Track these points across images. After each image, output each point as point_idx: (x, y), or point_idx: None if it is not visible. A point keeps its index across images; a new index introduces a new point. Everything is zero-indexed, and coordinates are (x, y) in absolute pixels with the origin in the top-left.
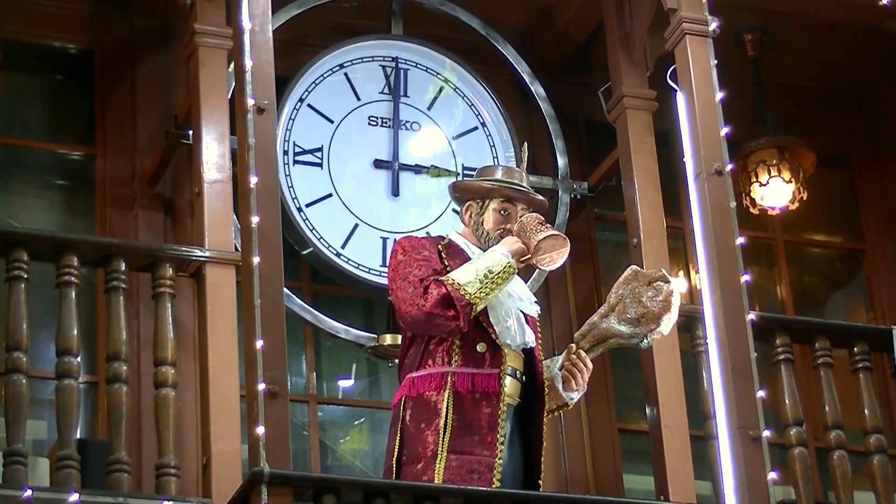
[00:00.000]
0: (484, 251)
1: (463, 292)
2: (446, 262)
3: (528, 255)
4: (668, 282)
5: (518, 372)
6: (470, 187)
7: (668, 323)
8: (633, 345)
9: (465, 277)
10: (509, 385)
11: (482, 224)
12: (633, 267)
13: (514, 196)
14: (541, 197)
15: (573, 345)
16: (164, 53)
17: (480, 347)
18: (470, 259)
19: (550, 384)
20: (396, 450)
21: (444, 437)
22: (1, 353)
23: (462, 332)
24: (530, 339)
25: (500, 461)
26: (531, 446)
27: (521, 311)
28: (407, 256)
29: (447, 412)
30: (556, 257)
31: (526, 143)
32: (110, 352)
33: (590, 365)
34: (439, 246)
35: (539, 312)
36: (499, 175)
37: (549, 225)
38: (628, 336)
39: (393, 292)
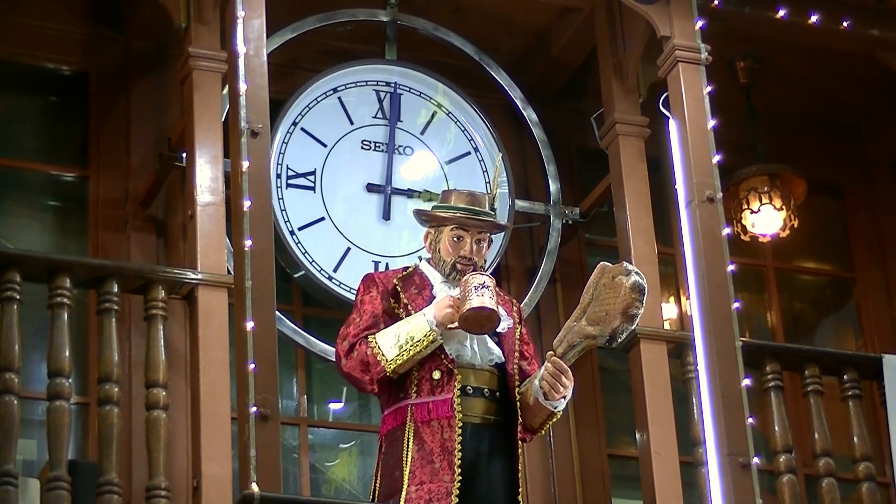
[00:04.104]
0: (444, 276)
1: (380, 358)
2: (401, 295)
3: (455, 324)
4: (627, 274)
5: (487, 390)
6: (427, 215)
7: (633, 317)
8: (601, 345)
9: (387, 342)
10: (475, 405)
11: (439, 252)
12: (602, 263)
13: (467, 222)
14: (499, 221)
15: (550, 352)
16: (159, 76)
17: (436, 374)
18: (432, 285)
19: (533, 398)
20: (373, 490)
21: (405, 470)
22: None
23: (419, 363)
24: (496, 354)
25: (458, 486)
26: (514, 463)
27: None
28: (361, 295)
29: (408, 444)
30: (485, 325)
31: (502, 154)
32: (102, 373)
33: (565, 368)
34: (395, 280)
35: (508, 327)
36: (453, 200)
37: (486, 289)
38: (596, 336)
39: None
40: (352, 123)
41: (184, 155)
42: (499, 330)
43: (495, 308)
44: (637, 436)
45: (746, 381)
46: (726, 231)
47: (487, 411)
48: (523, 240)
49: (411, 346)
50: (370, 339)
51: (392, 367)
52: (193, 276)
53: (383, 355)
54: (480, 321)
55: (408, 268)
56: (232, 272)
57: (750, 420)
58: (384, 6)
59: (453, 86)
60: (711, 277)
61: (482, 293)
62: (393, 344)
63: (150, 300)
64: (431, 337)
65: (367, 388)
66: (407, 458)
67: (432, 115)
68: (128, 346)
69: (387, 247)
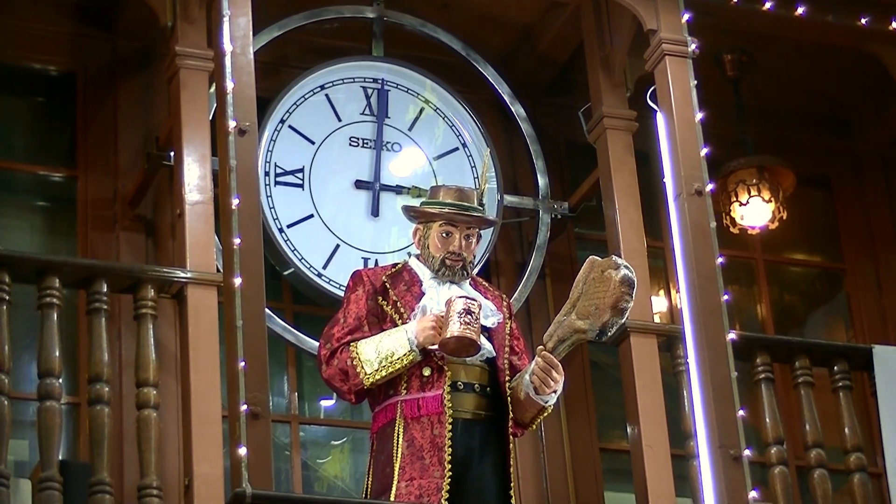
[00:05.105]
0: (433, 272)
1: (360, 370)
2: (390, 292)
3: (435, 346)
4: (617, 268)
5: (477, 385)
6: (416, 211)
7: (623, 311)
8: (591, 339)
9: (368, 354)
10: (465, 400)
11: (427, 247)
12: (591, 257)
13: (456, 218)
14: (488, 216)
15: (540, 346)
16: (146, 76)
17: (426, 371)
18: (421, 282)
19: (524, 392)
20: (366, 487)
21: (395, 467)
22: None
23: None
24: (487, 349)
25: (448, 481)
26: (505, 458)
27: None
28: (348, 294)
29: (398, 441)
30: (465, 352)
31: (490, 150)
32: (92, 373)
33: (556, 363)
34: (384, 276)
35: (497, 323)
36: (441, 195)
37: (470, 316)
38: (586, 331)
39: None
40: (339, 120)
41: (172, 154)
42: (489, 325)
43: (476, 339)
44: (628, 429)
45: (736, 374)
46: (715, 224)
47: (478, 407)
48: (512, 235)
49: (390, 363)
50: (352, 348)
51: (370, 381)
52: (183, 274)
53: (363, 368)
54: (460, 348)
55: (397, 264)
56: (221, 270)
57: (741, 412)
58: (371, 3)
59: (441, 82)
60: (701, 270)
61: (466, 320)
62: (373, 358)
63: (140, 299)
64: (411, 357)
65: (345, 397)
66: (397, 454)
67: (420, 112)
68: (118, 346)
69: (376, 243)
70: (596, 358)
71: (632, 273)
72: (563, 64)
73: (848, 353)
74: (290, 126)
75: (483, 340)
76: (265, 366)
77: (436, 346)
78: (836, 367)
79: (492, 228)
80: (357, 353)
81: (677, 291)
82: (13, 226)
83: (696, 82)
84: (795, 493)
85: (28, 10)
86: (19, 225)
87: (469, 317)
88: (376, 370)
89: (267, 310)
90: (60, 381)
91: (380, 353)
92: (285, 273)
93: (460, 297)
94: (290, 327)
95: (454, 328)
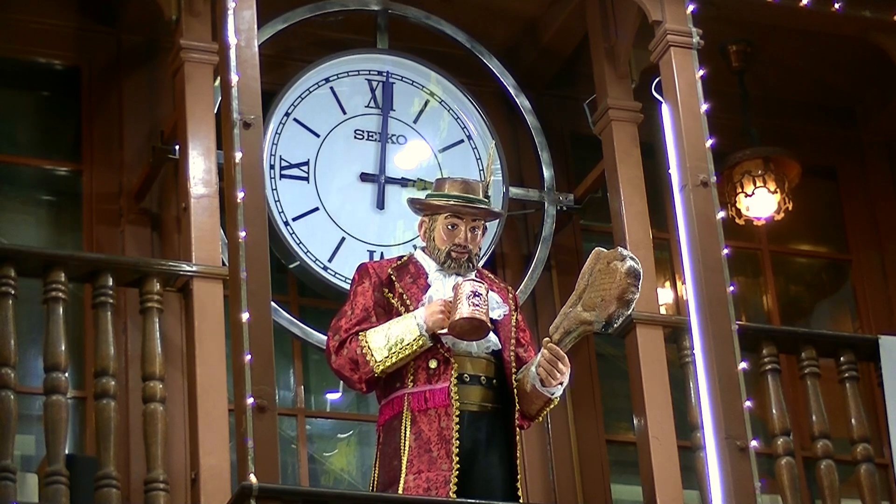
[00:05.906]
0: (439, 264)
1: (369, 358)
2: (396, 285)
3: (445, 329)
4: (622, 260)
5: (483, 378)
6: (421, 203)
7: (629, 302)
8: (597, 330)
9: (377, 342)
10: (472, 393)
11: (433, 240)
12: (597, 249)
13: (461, 210)
14: (493, 208)
15: (546, 338)
16: (151, 69)
17: (433, 363)
18: (427, 274)
19: (530, 385)
20: (372, 480)
21: (403, 459)
22: None
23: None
24: (493, 342)
25: (456, 474)
26: (512, 451)
27: None
28: (355, 286)
29: (405, 433)
30: (475, 334)
31: (494, 142)
32: (98, 367)
33: (562, 355)
34: (390, 269)
35: (503, 315)
36: (447, 188)
37: (478, 298)
38: (592, 322)
39: None
40: (344, 113)
41: (177, 147)
42: (494, 318)
43: (485, 319)
44: (635, 421)
45: (743, 365)
46: (721, 215)
47: (485, 399)
48: (518, 227)
49: (400, 348)
50: (360, 337)
51: (380, 368)
52: (188, 268)
53: (372, 356)
54: (470, 330)
55: (402, 257)
56: (227, 264)
57: (747, 403)
58: None
59: (446, 74)
60: (706, 262)
61: (475, 302)
62: (382, 345)
63: (146, 293)
64: (421, 342)
65: (355, 386)
66: (404, 447)
67: (425, 104)
68: (124, 340)
69: (381, 236)
70: (602, 350)
71: (637, 264)
72: (568, 56)
73: (854, 343)
74: (294, 119)
75: (490, 330)
76: (271, 359)
77: (445, 330)
78: (842, 358)
79: (497, 221)
80: (366, 342)
81: (683, 283)
82: (19, 220)
83: (701, 73)
84: (802, 483)
85: (32, 4)
86: (25, 219)
87: (477, 299)
88: (386, 357)
89: (273, 303)
90: (66, 375)
91: (389, 339)
92: (291, 266)
93: (467, 280)
94: (295, 320)
95: (464, 310)
